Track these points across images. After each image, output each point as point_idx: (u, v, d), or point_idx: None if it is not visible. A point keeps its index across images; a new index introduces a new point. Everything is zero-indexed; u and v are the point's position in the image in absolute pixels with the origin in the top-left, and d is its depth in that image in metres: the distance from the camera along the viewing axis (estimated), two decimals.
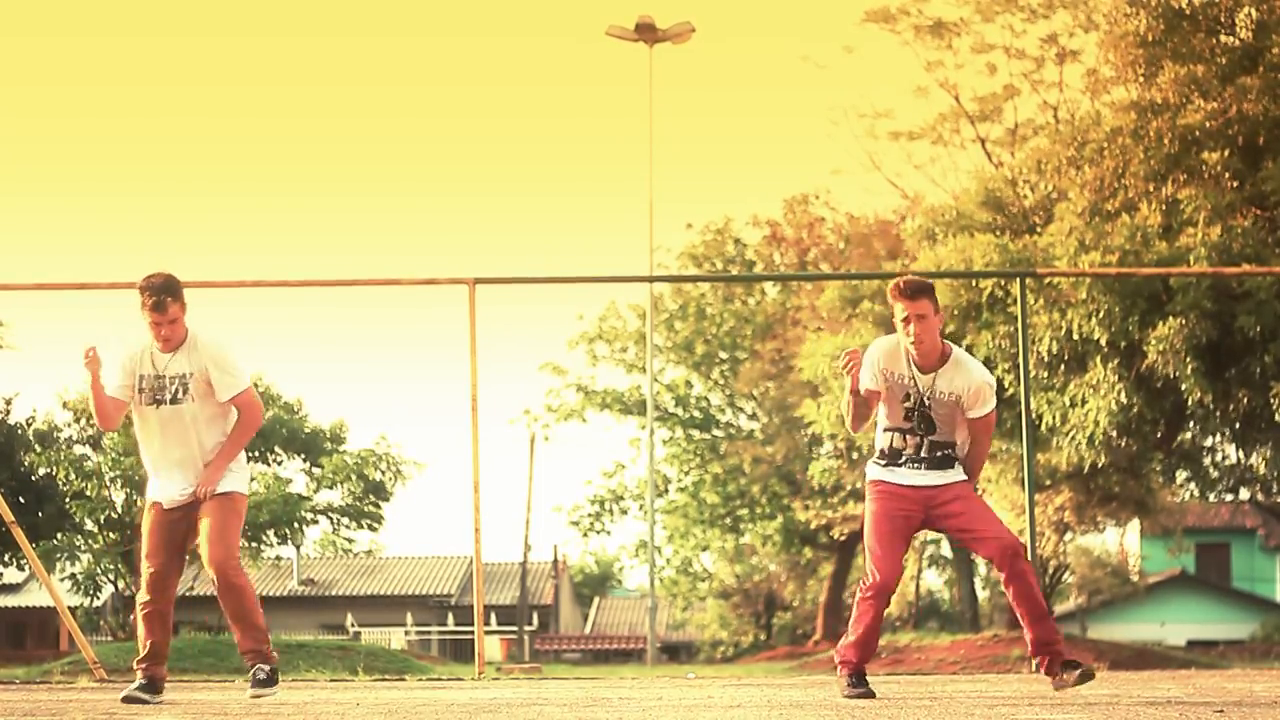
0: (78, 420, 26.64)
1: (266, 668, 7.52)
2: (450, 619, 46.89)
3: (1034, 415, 18.92)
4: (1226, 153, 19.01)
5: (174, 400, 7.52)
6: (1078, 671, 7.42)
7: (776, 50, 79.79)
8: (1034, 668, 7.66)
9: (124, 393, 7.57)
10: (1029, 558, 10.38)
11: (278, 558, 34.82)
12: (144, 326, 7.55)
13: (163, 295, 7.45)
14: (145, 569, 7.61)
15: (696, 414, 41.11)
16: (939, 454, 7.52)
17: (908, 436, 7.51)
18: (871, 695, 7.54)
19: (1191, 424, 21.80)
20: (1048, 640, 7.48)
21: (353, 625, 42.55)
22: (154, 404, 7.54)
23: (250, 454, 26.07)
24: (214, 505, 7.54)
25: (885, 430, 7.58)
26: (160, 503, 7.60)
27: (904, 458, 7.53)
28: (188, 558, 25.14)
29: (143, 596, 7.61)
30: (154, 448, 7.62)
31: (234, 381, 7.56)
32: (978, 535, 7.48)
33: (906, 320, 7.37)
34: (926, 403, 7.46)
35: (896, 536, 7.52)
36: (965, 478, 7.57)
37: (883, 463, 7.58)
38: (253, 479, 26.04)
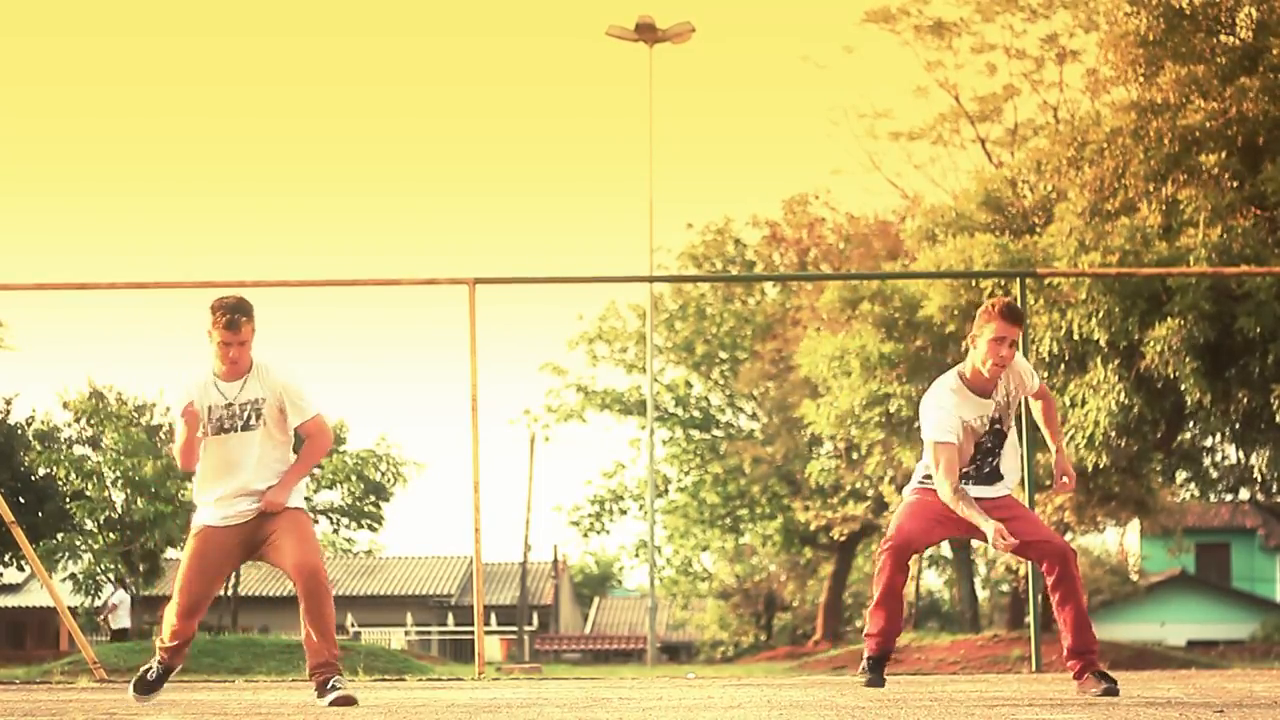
0: (77, 420, 26.67)
1: (344, 682, 7.35)
2: (450, 619, 46.90)
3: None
4: (1226, 154, 19.00)
5: (245, 427, 7.35)
6: (1104, 685, 7.45)
7: (776, 50, 79.85)
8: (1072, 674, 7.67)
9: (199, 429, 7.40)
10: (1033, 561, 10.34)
11: None
12: (210, 349, 7.32)
13: (236, 314, 7.24)
14: (178, 596, 7.39)
15: (696, 414, 41.12)
16: (986, 470, 7.49)
17: (964, 467, 7.47)
18: (880, 684, 7.63)
19: (1191, 424, 21.80)
20: (1085, 649, 7.50)
21: (353, 625, 42.53)
22: (223, 432, 7.35)
23: None
24: (289, 516, 7.38)
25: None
26: (210, 524, 7.37)
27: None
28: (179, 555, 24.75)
29: (171, 621, 7.42)
30: (213, 475, 7.40)
31: (307, 407, 7.43)
32: (1028, 541, 7.43)
33: (1000, 341, 7.23)
34: (999, 418, 7.42)
35: (929, 516, 7.47)
36: (1010, 491, 7.54)
37: (930, 483, 7.51)
38: None
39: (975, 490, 7.47)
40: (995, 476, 7.51)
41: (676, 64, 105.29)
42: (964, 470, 7.46)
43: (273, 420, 7.40)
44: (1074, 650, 7.51)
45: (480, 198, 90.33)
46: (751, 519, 40.56)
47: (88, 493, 23.55)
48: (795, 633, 45.17)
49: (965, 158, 32.68)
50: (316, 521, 26.59)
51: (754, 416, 41.18)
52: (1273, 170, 18.91)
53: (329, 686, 7.23)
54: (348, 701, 7.20)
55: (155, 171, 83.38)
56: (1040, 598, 12.24)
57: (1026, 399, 7.71)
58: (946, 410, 7.32)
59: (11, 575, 37.32)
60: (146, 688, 7.48)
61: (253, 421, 7.37)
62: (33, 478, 26.25)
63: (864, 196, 60.91)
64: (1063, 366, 19.45)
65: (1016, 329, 7.27)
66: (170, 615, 7.47)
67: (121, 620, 23.71)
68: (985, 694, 8.06)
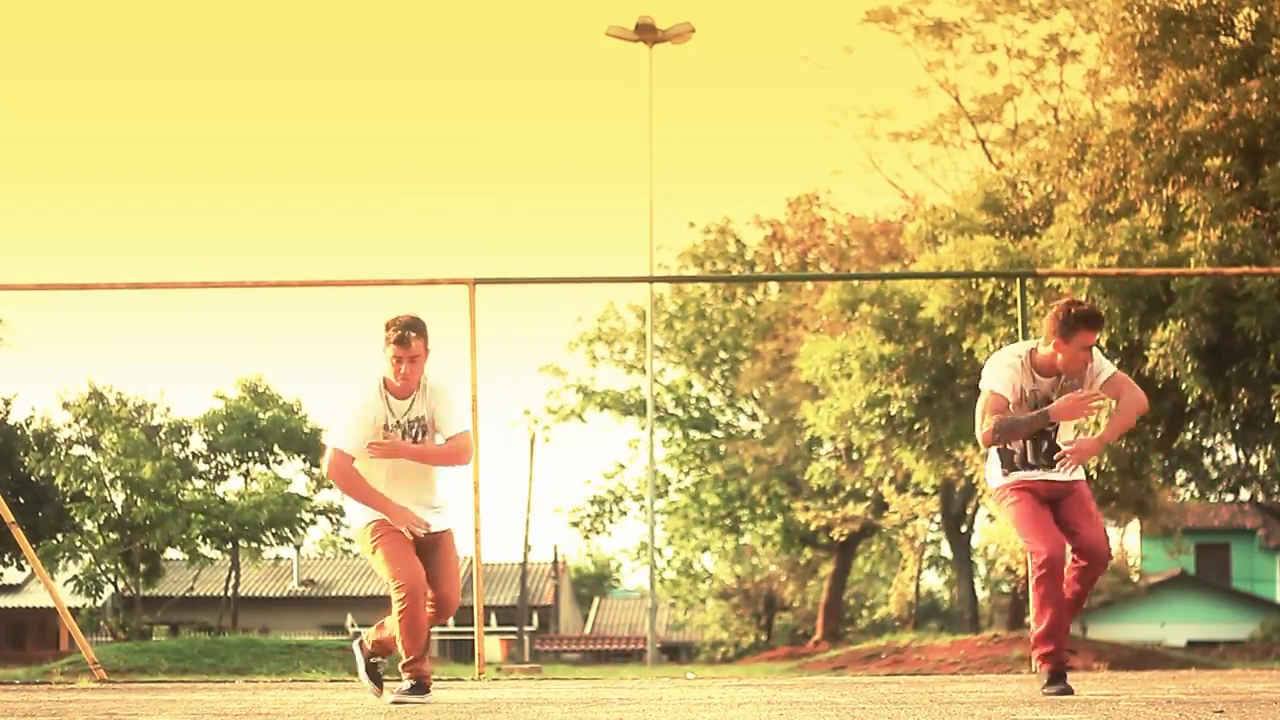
0: (77, 421, 26.64)
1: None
2: (450, 619, 46.87)
3: None
4: (1228, 156, 18.98)
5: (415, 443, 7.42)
6: (1059, 687, 7.63)
7: (776, 50, 79.75)
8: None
9: (366, 442, 7.36)
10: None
11: (278, 558, 34.86)
12: (384, 364, 7.39)
13: (407, 331, 7.32)
14: (394, 581, 7.33)
15: (696, 414, 41.11)
16: (1043, 449, 7.69)
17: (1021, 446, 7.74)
18: (1069, 692, 7.59)
19: (1192, 425, 21.79)
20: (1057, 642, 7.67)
21: (353, 625, 42.46)
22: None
23: (250, 454, 26.07)
24: (449, 544, 7.51)
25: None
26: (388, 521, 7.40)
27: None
28: (185, 556, 24.67)
29: (401, 603, 7.36)
30: (384, 488, 7.40)
31: (455, 422, 7.46)
32: (1080, 529, 7.64)
33: (1087, 350, 7.54)
34: (1050, 398, 7.66)
35: (1045, 515, 7.64)
36: (1081, 478, 7.74)
37: (1017, 474, 7.76)
38: (253, 479, 26.04)
39: (1039, 475, 7.66)
40: (1054, 455, 7.65)
41: (676, 64, 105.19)
42: (1022, 450, 7.65)
43: (432, 437, 7.49)
44: (1050, 634, 7.65)
45: (480, 198, 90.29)
46: (752, 519, 40.54)
47: (88, 493, 23.53)
48: (795, 633, 45.15)
49: (965, 158, 32.72)
50: (315, 522, 26.60)
51: (754, 417, 41.18)
52: (1273, 172, 18.90)
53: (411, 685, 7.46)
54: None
55: (155, 171, 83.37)
56: None
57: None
58: (1006, 375, 7.58)
59: (11, 575, 37.33)
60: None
61: (420, 438, 7.42)
62: (32, 478, 26.22)
63: (864, 196, 60.96)
64: None
65: (1097, 334, 7.54)
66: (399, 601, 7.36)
67: None
68: (985, 694, 8.05)
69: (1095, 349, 7.63)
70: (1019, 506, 7.65)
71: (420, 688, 7.37)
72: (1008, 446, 7.65)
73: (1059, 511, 7.69)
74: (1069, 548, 7.59)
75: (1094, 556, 7.58)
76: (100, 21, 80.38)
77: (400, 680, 7.48)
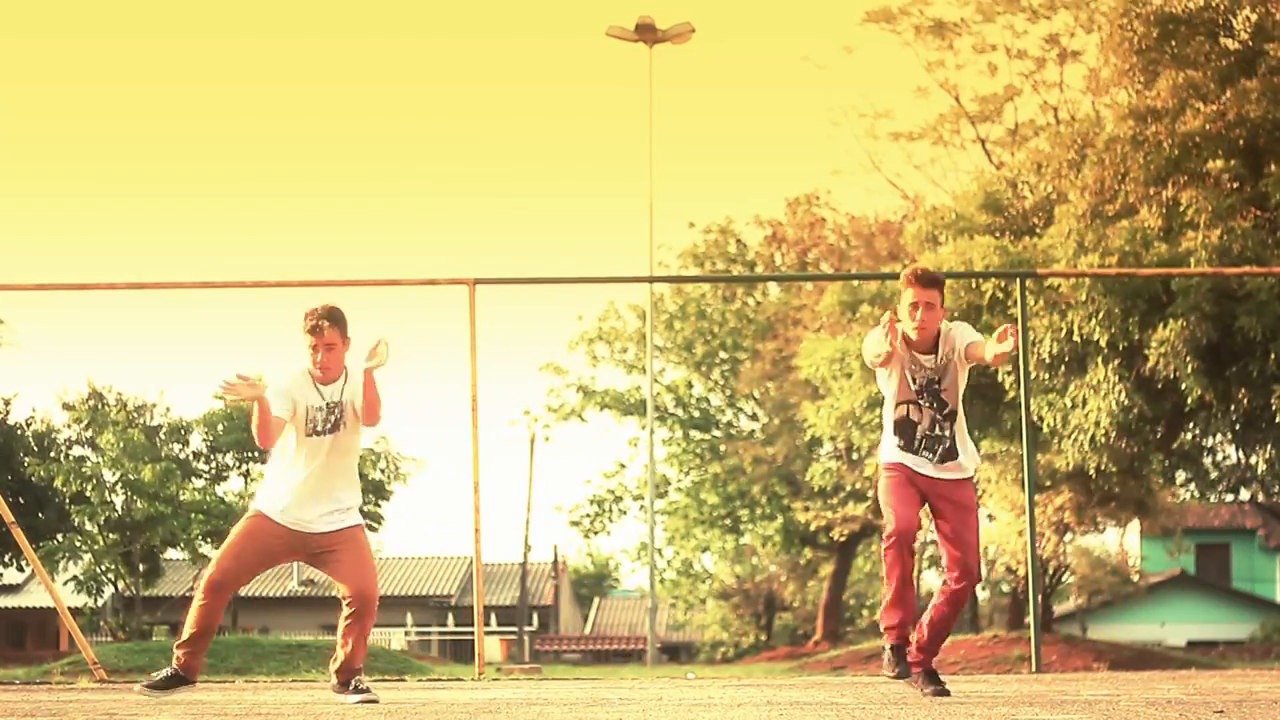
0: (77, 422, 26.63)
1: (366, 682, 7.71)
2: (450, 619, 46.88)
3: (1035, 417, 18.91)
4: (1230, 160, 18.98)
5: (331, 430, 7.56)
6: (934, 687, 7.69)
7: (776, 50, 79.72)
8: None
9: (286, 413, 7.51)
10: (1032, 561, 10.55)
11: None
12: (305, 352, 7.62)
13: (320, 320, 7.53)
14: (210, 569, 7.52)
15: (696, 414, 41.11)
16: (939, 449, 7.76)
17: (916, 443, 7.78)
18: (909, 675, 7.71)
19: (1192, 425, 21.79)
20: (932, 650, 7.84)
21: None
22: (315, 435, 7.54)
23: (250, 454, 26.07)
24: (352, 535, 7.59)
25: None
26: (268, 514, 7.55)
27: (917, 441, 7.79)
28: (186, 556, 24.66)
29: (198, 598, 7.54)
30: (291, 471, 7.55)
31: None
32: (951, 539, 7.79)
33: (915, 306, 7.59)
34: (938, 380, 7.71)
35: (912, 493, 7.75)
36: (969, 476, 7.83)
37: (897, 454, 7.81)
38: (253, 479, 26.03)
39: (932, 470, 7.75)
40: (950, 455, 7.74)
41: (676, 64, 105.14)
42: (917, 447, 7.74)
43: (349, 423, 7.59)
44: (922, 647, 7.77)
45: (480, 198, 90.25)
46: (751, 519, 40.54)
47: (88, 494, 23.53)
48: (795, 633, 45.16)
49: (965, 158, 32.65)
50: None
51: (754, 417, 41.18)
52: (1274, 172, 18.89)
53: (352, 686, 7.55)
54: (372, 700, 7.48)
55: (155, 171, 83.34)
56: (1040, 598, 12.26)
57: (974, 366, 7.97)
58: (878, 334, 7.66)
59: (11, 575, 37.30)
60: (157, 686, 7.62)
61: (340, 423, 7.57)
62: (32, 479, 26.22)
63: (864, 196, 60.90)
64: (1063, 368, 19.43)
65: (930, 292, 7.57)
66: (198, 591, 7.57)
67: None
68: (985, 694, 8.06)
69: (961, 326, 7.71)
70: (889, 481, 7.77)
71: (351, 688, 7.51)
72: (912, 418, 7.69)
73: (941, 519, 7.79)
74: (944, 564, 7.74)
75: (968, 577, 7.71)
76: (100, 21, 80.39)
77: (330, 679, 7.71)
